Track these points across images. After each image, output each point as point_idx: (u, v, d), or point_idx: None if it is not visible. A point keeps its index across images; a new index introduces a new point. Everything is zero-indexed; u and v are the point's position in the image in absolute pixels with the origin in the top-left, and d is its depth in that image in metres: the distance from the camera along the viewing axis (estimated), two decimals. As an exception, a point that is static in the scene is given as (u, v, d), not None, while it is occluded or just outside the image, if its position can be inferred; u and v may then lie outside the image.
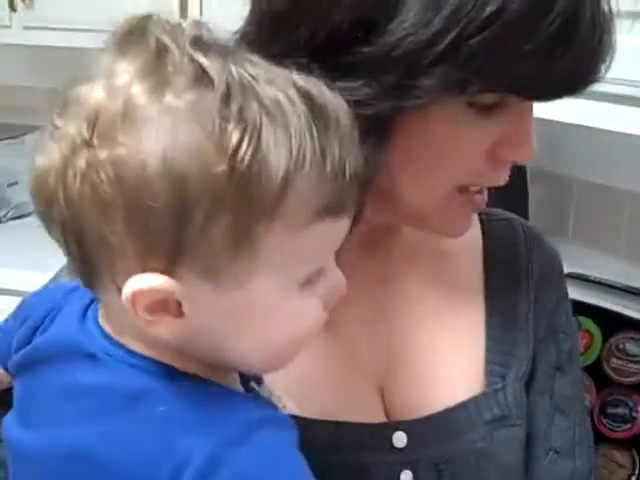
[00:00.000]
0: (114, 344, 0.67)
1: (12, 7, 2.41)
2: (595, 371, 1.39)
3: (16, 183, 2.61)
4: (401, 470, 0.85)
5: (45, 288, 0.84)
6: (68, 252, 0.64)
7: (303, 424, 0.71)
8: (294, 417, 0.70)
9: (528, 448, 0.94)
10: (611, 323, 1.52)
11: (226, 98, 0.58)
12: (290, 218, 0.60)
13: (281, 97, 0.60)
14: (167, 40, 0.61)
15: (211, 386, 0.66)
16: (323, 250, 0.66)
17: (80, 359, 0.68)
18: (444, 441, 0.87)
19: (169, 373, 0.65)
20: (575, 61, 0.73)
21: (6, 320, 0.82)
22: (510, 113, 0.77)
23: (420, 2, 0.71)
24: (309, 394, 0.84)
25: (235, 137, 0.58)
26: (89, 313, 0.71)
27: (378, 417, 0.87)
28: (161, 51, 0.60)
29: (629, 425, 1.56)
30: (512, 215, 1.03)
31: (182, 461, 0.60)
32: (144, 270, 0.61)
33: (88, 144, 0.59)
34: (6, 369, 0.78)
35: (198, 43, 0.61)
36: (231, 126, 0.58)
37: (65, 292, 0.75)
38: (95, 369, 0.67)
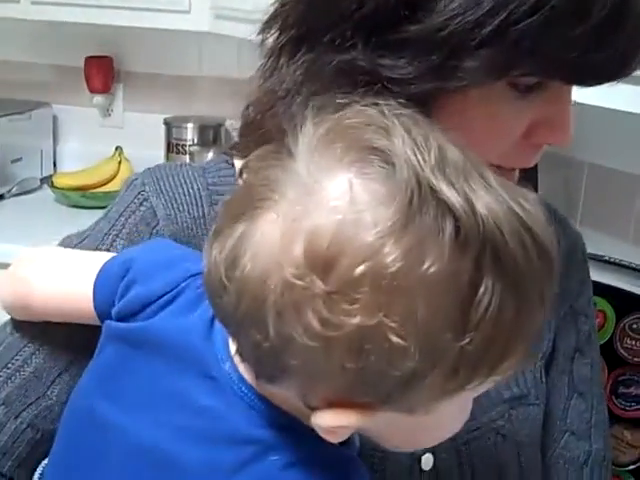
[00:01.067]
0: (242, 380, 0.65)
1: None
2: (608, 351, 1.38)
3: (20, 159, 2.59)
4: (422, 453, 0.85)
5: (154, 251, 0.78)
6: (249, 352, 0.61)
7: None
8: None
9: (544, 428, 0.94)
10: (625, 303, 1.51)
11: (478, 264, 0.55)
12: (505, 367, 0.59)
13: (519, 254, 0.56)
14: (419, 168, 0.56)
15: (327, 449, 0.63)
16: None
17: (199, 374, 0.66)
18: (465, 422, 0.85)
19: (290, 426, 0.64)
20: (623, 47, 0.72)
21: (105, 268, 0.76)
22: (550, 95, 0.76)
23: None
24: None
25: (481, 308, 0.55)
26: (216, 326, 0.67)
27: None
28: (417, 189, 0.55)
29: (641, 405, 1.55)
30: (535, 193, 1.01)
31: None
32: (345, 406, 0.58)
33: (324, 296, 0.54)
34: (98, 315, 0.76)
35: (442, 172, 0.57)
36: (479, 298, 0.55)
37: (187, 276, 0.71)
38: (213, 391, 0.65)
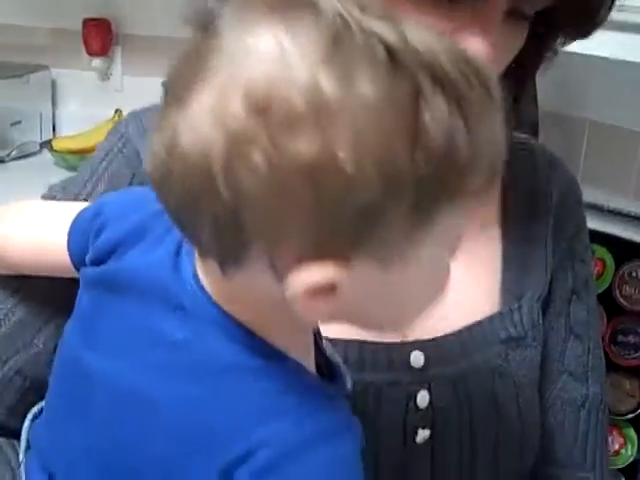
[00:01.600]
0: (210, 302, 0.64)
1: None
2: (606, 299, 1.39)
3: (19, 123, 2.59)
4: (417, 391, 0.85)
5: (125, 194, 0.78)
6: (211, 239, 0.59)
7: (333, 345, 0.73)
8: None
9: (542, 370, 0.95)
10: (623, 251, 1.52)
11: (417, 86, 0.54)
12: (466, 194, 0.58)
13: (460, 79, 0.56)
14: (342, 8, 0.55)
15: (305, 374, 0.64)
16: (461, 232, 0.64)
17: (168, 306, 0.65)
18: (460, 359, 0.88)
19: (262, 349, 0.63)
20: None
21: (78, 216, 0.76)
22: (474, 3, 0.79)
23: None
24: None
25: (430, 126, 0.54)
26: (183, 256, 0.67)
27: (396, 336, 0.87)
28: (342, 26, 0.55)
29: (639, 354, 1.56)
30: (532, 139, 1.04)
31: (257, 444, 0.59)
32: (316, 258, 0.56)
33: (267, 130, 0.54)
34: (74, 264, 0.76)
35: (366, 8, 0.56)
36: (424, 117, 0.54)
37: (153, 214, 0.69)
38: (183, 323, 0.65)
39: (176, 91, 0.58)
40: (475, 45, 0.78)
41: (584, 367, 0.99)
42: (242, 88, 0.54)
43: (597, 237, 1.25)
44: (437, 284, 0.65)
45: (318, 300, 0.58)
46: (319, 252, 0.56)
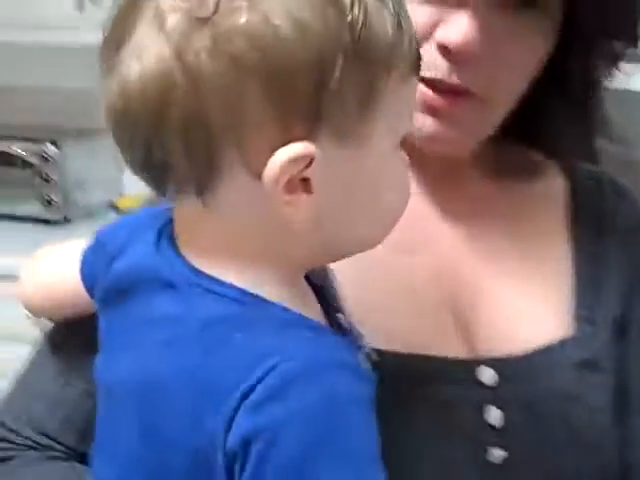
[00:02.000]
0: (195, 272, 0.68)
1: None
2: None
3: (86, 182, 2.67)
4: (485, 406, 0.86)
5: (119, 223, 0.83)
6: (184, 154, 0.63)
7: (390, 357, 0.79)
8: (383, 352, 0.77)
9: (623, 401, 0.94)
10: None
11: None
12: (400, 69, 0.65)
13: None
14: None
15: (299, 317, 0.67)
16: (408, 112, 0.71)
17: (158, 288, 0.69)
18: (532, 381, 0.89)
19: (253, 300, 0.66)
20: None
21: (84, 252, 0.82)
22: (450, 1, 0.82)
23: None
24: (392, 327, 0.87)
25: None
26: (163, 240, 0.71)
27: (461, 350, 0.89)
28: None
29: None
30: (598, 169, 1.06)
31: (256, 382, 0.62)
32: (283, 144, 0.62)
33: (207, 21, 0.60)
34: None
35: None
36: None
37: (150, 215, 0.75)
38: (174, 298, 0.68)
39: (115, 36, 0.65)
40: (457, 23, 0.80)
41: None
42: (180, 9, 0.61)
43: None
44: (401, 181, 0.71)
45: (297, 194, 0.63)
46: (286, 135, 0.61)
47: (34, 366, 0.94)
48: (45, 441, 0.88)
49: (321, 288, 0.76)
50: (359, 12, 0.61)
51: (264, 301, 0.67)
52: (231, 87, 0.60)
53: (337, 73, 0.61)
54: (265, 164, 0.62)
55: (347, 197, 0.67)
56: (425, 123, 0.85)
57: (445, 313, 0.90)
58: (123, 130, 0.65)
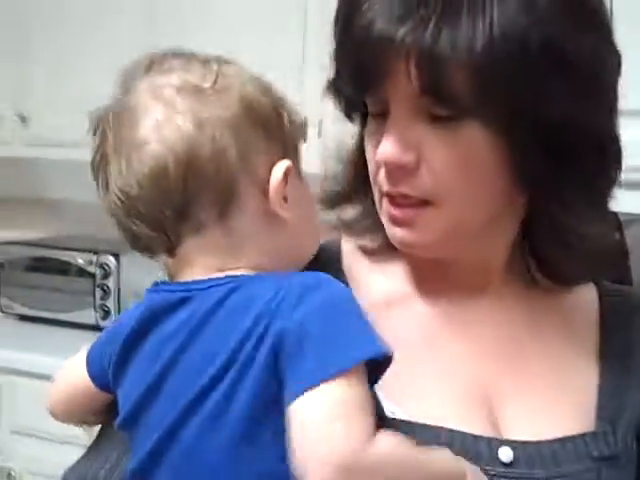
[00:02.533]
0: (199, 281, 0.86)
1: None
2: None
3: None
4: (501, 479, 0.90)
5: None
6: (212, 193, 0.84)
7: (415, 428, 0.87)
8: (406, 422, 0.87)
9: None
10: None
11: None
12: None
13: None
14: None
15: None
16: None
17: (169, 312, 0.85)
18: (550, 466, 0.91)
19: (250, 275, 0.86)
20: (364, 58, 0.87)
21: (90, 348, 0.96)
22: (385, 122, 0.89)
23: None
24: (426, 405, 0.92)
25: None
26: (150, 291, 0.89)
27: (486, 432, 0.93)
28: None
29: None
30: (630, 288, 1.12)
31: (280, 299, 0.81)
32: (274, 164, 0.88)
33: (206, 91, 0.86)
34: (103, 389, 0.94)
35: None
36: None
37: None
38: (186, 308, 0.84)
39: (115, 149, 0.86)
40: (380, 150, 0.89)
41: None
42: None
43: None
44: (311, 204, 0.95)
45: (284, 201, 0.88)
46: (274, 158, 0.88)
47: (101, 435, 1.00)
48: None
49: None
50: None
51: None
52: (239, 134, 0.86)
53: (286, 115, 0.90)
54: (269, 179, 0.87)
55: (301, 213, 0.90)
56: (393, 233, 0.93)
57: (476, 401, 0.95)
58: (157, 189, 0.84)
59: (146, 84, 0.86)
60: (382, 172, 0.90)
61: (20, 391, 2.70)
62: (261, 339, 0.79)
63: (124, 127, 0.85)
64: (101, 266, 2.85)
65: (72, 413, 1.00)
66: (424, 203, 0.89)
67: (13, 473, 2.71)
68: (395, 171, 0.89)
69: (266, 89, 0.90)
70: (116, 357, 0.89)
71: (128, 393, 0.88)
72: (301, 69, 2.55)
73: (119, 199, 0.85)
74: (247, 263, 0.87)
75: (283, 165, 0.87)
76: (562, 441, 0.93)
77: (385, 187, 0.91)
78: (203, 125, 0.84)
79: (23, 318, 3.03)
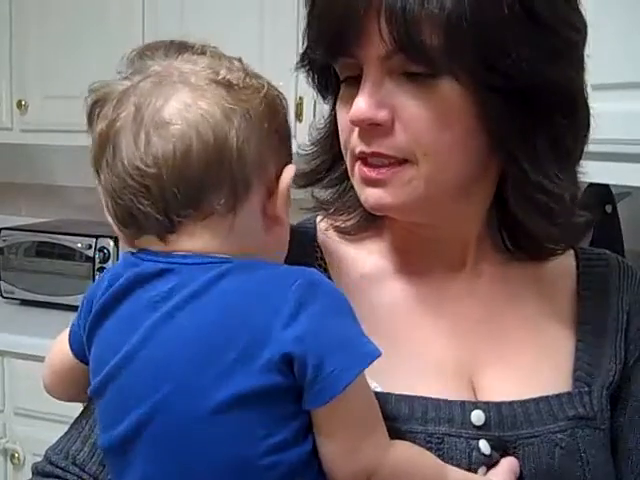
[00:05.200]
0: (183, 255, 0.84)
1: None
2: None
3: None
4: (477, 442, 0.92)
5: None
6: (227, 185, 0.84)
7: (393, 399, 0.91)
8: (382, 394, 0.89)
9: (625, 464, 1.00)
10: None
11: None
12: None
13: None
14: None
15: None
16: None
17: (148, 281, 0.84)
18: (520, 427, 0.94)
19: (237, 258, 0.85)
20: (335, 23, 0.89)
21: (72, 323, 0.94)
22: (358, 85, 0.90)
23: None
24: (401, 376, 0.95)
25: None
26: (135, 256, 0.87)
27: (463, 396, 0.96)
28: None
29: None
30: (608, 251, 1.13)
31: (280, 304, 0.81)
32: (283, 166, 0.89)
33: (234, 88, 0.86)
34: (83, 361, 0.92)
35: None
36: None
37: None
38: (167, 280, 0.83)
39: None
40: (353, 109, 0.89)
41: None
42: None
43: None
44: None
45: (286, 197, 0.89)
46: (284, 161, 0.90)
47: (84, 412, 1.01)
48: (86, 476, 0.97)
49: None
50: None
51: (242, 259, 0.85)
52: (259, 138, 0.86)
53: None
54: (277, 180, 0.88)
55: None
56: (367, 194, 0.92)
57: (456, 371, 0.97)
58: (178, 173, 0.83)
59: (173, 68, 0.85)
60: (355, 134, 0.91)
61: (22, 374, 2.71)
62: (261, 348, 0.79)
63: (147, 103, 0.83)
64: (100, 250, 2.87)
65: (67, 390, 1.00)
66: (398, 163, 0.90)
67: (17, 454, 2.73)
68: (369, 130, 0.89)
69: (281, 96, 0.91)
70: (89, 324, 0.87)
71: (100, 359, 0.86)
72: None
73: (129, 175, 0.82)
74: (238, 252, 0.86)
75: (292, 169, 0.89)
76: (537, 401, 0.96)
77: (359, 148, 0.91)
78: (230, 115, 0.83)
79: (24, 302, 3.06)
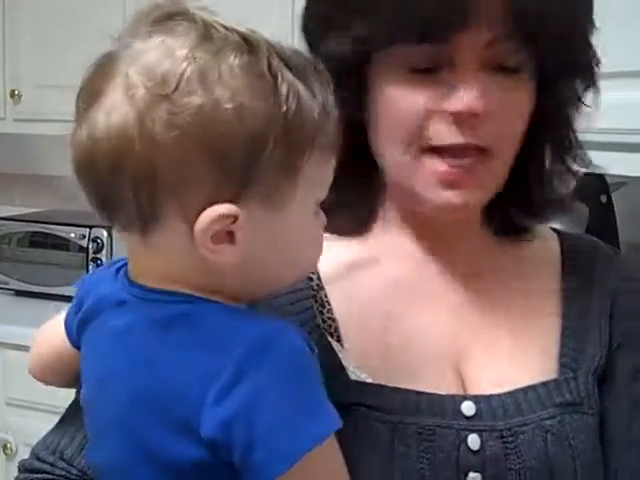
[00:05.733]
0: (146, 289, 0.79)
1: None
2: None
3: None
4: (468, 435, 0.92)
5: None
6: (133, 200, 0.74)
7: (384, 390, 0.90)
8: (375, 385, 0.89)
9: (611, 445, 0.99)
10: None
11: (270, 62, 0.75)
12: (320, 149, 0.78)
13: (299, 60, 0.78)
14: (198, 14, 0.76)
15: (243, 307, 0.80)
16: (326, 182, 0.82)
17: (114, 309, 0.81)
18: (511, 416, 0.94)
19: (199, 300, 0.78)
20: (433, 7, 0.86)
21: (67, 311, 0.92)
22: (446, 74, 0.90)
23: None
24: (391, 367, 0.95)
25: (284, 90, 0.74)
26: (121, 273, 0.83)
27: (452, 389, 0.96)
28: (202, 23, 0.76)
29: None
30: (590, 236, 1.15)
31: (215, 372, 0.72)
32: (214, 203, 0.74)
33: (168, 97, 0.72)
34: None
35: (217, 16, 0.78)
36: (279, 82, 0.74)
37: (112, 264, 0.87)
38: (126, 313, 0.80)
39: (88, 95, 0.76)
40: (460, 99, 0.89)
41: None
42: (141, 75, 0.73)
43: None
44: (316, 239, 0.83)
45: (223, 243, 0.75)
46: (218, 196, 0.73)
47: (72, 406, 1.00)
48: (74, 472, 0.96)
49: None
50: (293, 101, 0.74)
51: (206, 299, 0.78)
52: (177, 154, 0.72)
53: (268, 151, 0.73)
54: (197, 217, 0.74)
55: (269, 250, 0.78)
56: (445, 197, 0.92)
57: (444, 359, 0.97)
58: (87, 172, 0.76)
59: (129, 55, 0.77)
60: (437, 125, 0.90)
61: (16, 364, 2.71)
62: (194, 422, 0.73)
63: (86, 96, 0.77)
64: (94, 240, 2.86)
65: (58, 374, 0.98)
66: (480, 154, 0.91)
67: (9, 445, 2.74)
68: (469, 120, 0.89)
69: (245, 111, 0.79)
70: (77, 324, 0.87)
71: (86, 372, 0.86)
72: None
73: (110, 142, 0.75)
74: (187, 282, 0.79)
75: (219, 210, 0.74)
76: (525, 390, 0.96)
77: (450, 139, 0.90)
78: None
79: (18, 293, 3.05)
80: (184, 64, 0.73)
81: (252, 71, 0.74)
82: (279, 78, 0.74)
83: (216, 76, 0.73)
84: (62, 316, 0.94)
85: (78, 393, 0.94)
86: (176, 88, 0.72)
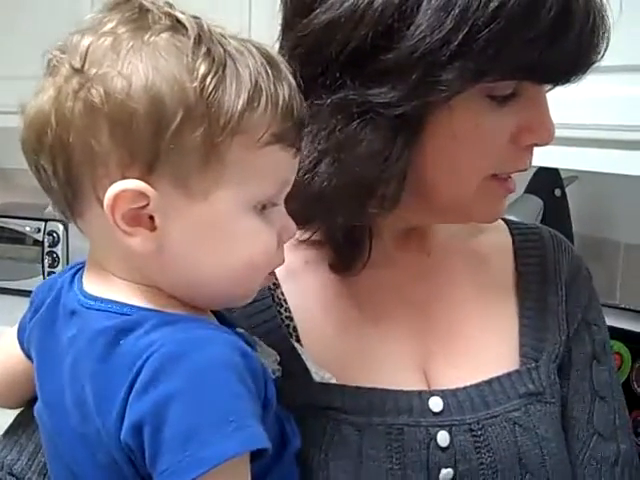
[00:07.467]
0: (92, 298, 0.77)
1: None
2: (625, 392, 1.30)
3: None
4: (437, 432, 0.93)
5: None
6: (55, 179, 0.74)
7: (349, 391, 0.90)
8: (339, 386, 0.89)
9: (573, 434, 1.02)
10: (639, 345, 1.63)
11: (197, 41, 0.73)
12: (248, 135, 0.73)
13: (242, 47, 0.75)
14: (148, 2, 0.75)
15: (183, 315, 0.76)
16: (275, 179, 0.77)
17: (66, 318, 0.79)
18: (479, 409, 0.95)
19: (139, 310, 0.75)
20: (574, 44, 0.83)
21: (21, 320, 0.89)
22: (526, 101, 0.88)
23: (432, 6, 0.80)
24: (354, 367, 0.95)
25: (203, 67, 0.72)
26: (76, 277, 0.81)
27: (419, 385, 0.96)
28: (143, 8, 0.75)
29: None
30: (539, 224, 1.17)
31: (137, 372, 0.70)
32: (124, 178, 0.72)
33: (80, 70, 0.72)
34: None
35: (173, 7, 0.76)
36: (200, 60, 0.72)
37: (70, 268, 0.85)
38: (75, 324, 0.77)
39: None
40: (548, 130, 0.90)
41: (612, 426, 1.05)
42: (70, 51, 0.74)
43: (614, 333, 1.29)
44: (254, 247, 0.76)
45: (137, 227, 0.73)
46: (125, 173, 0.71)
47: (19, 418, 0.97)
48: None
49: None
50: (211, 81, 0.71)
51: (150, 310, 0.75)
52: (85, 127, 0.71)
53: (174, 126, 0.70)
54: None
55: (196, 246, 0.74)
56: (499, 209, 0.96)
57: (406, 357, 0.98)
58: (26, 156, 0.76)
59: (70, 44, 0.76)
60: (517, 153, 0.91)
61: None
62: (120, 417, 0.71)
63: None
64: (49, 234, 2.84)
65: (13, 395, 0.94)
66: None
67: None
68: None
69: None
70: (28, 335, 0.85)
71: (40, 382, 0.83)
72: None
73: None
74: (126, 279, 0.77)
75: (124, 185, 0.72)
76: (489, 382, 0.97)
77: (522, 167, 0.92)
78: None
79: (-26, 288, 3.01)
80: (102, 39, 0.73)
81: (169, 48, 0.72)
82: (200, 58, 0.72)
83: (129, 49, 0.72)
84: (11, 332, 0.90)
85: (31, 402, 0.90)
86: (86, 60, 0.72)
